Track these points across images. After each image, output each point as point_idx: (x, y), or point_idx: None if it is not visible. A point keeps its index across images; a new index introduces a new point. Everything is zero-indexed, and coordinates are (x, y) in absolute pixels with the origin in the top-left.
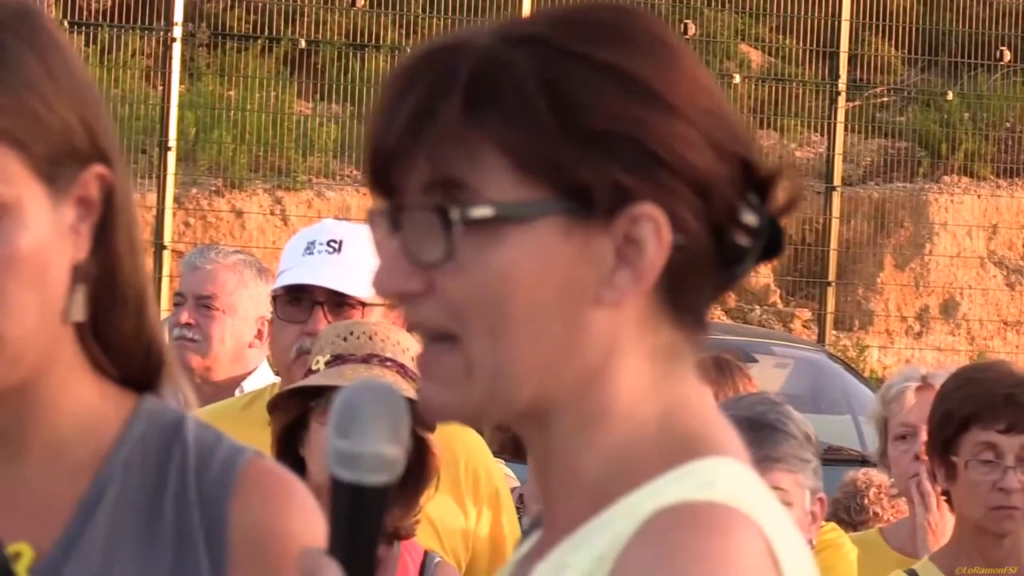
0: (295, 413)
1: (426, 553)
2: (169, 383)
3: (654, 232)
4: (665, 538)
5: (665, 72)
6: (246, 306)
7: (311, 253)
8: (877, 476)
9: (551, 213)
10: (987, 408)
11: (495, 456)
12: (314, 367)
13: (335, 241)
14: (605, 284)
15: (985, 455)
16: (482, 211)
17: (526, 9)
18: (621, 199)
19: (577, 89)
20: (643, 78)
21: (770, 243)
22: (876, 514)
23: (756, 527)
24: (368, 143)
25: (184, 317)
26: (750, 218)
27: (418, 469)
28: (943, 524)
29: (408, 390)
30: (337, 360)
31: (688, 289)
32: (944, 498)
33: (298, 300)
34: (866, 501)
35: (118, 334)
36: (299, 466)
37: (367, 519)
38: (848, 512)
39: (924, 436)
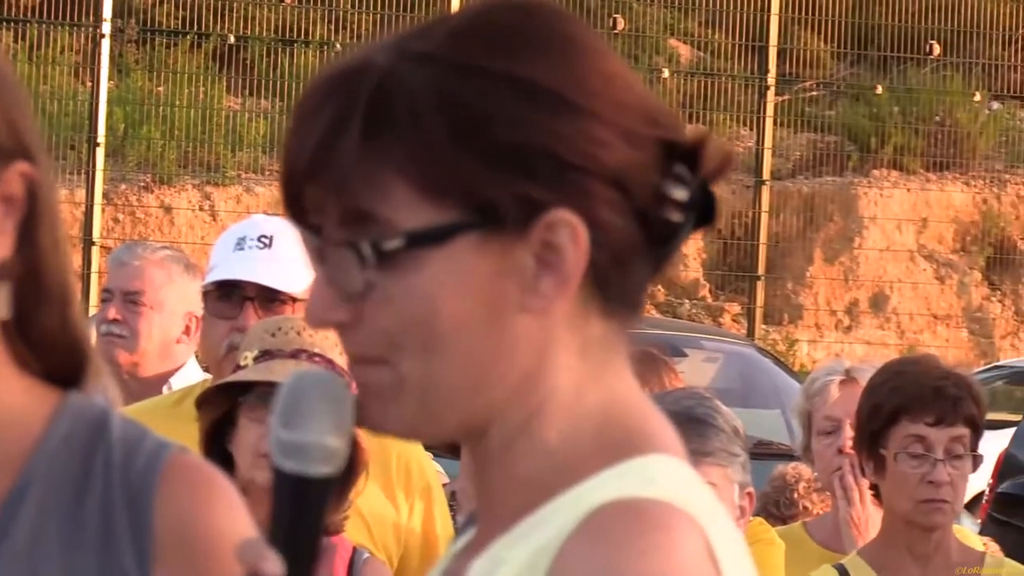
0: (223, 409)
1: (355, 549)
2: (94, 380)
3: (571, 237)
4: (606, 534)
5: (569, 71)
6: (173, 302)
7: (242, 249)
8: (806, 470)
9: (463, 233)
10: (916, 400)
11: (427, 451)
12: (242, 363)
13: (266, 236)
14: (529, 292)
15: (914, 448)
16: (393, 243)
17: (455, 3)
18: (532, 210)
19: (474, 105)
20: (544, 82)
21: (704, 212)
22: (805, 508)
23: (695, 524)
24: (281, 172)
25: (111, 313)
26: (679, 193)
27: (347, 464)
28: (866, 518)
29: None
30: (265, 356)
31: (616, 280)
32: (872, 492)
33: (228, 296)
34: (795, 495)
35: (42, 331)
36: (227, 462)
37: (309, 510)
38: (777, 506)
39: (848, 430)
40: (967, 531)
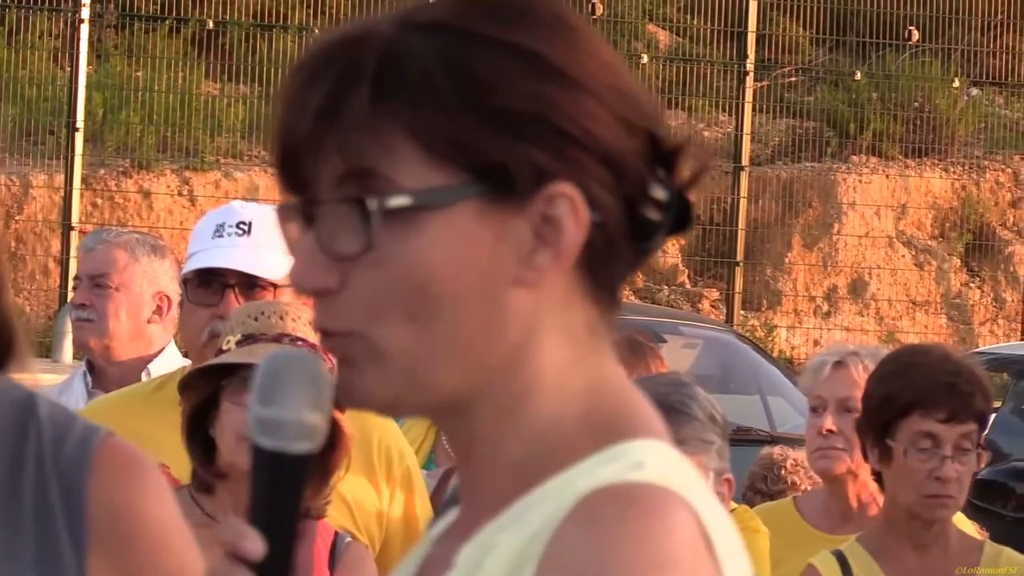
0: (206, 392)
1: (336, 533)
2: (18, 364)
3: (571, 211)
4: (600, 519)
5: (569, 50)
6: (140, 282)
7: (221, 236)
8: (792, 452)
9: (467, 197)
10: (929, 396)
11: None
12: (225, 347)
13: (244, 223)
14: (524, 265)
15: (923, 443)
16: (399, 200)
17: None
18: (536, 179)
19: (483, 70)
20: (548, 56)
21: (679, 218)
22: (794, 483)
23: (688, 507)
24: (275, 138)
25: (78, 298)
26: (660, 192)
27: (329, 449)
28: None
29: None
30: (248, 340)
31: (605, 265)
32: (873, 478)
33: (209, 283)
34: (783, 471)
35: None
36: (209, 446)
37: (289, 487)
38: (765, 482)
39: (830, 412)
40: (962, 517)
